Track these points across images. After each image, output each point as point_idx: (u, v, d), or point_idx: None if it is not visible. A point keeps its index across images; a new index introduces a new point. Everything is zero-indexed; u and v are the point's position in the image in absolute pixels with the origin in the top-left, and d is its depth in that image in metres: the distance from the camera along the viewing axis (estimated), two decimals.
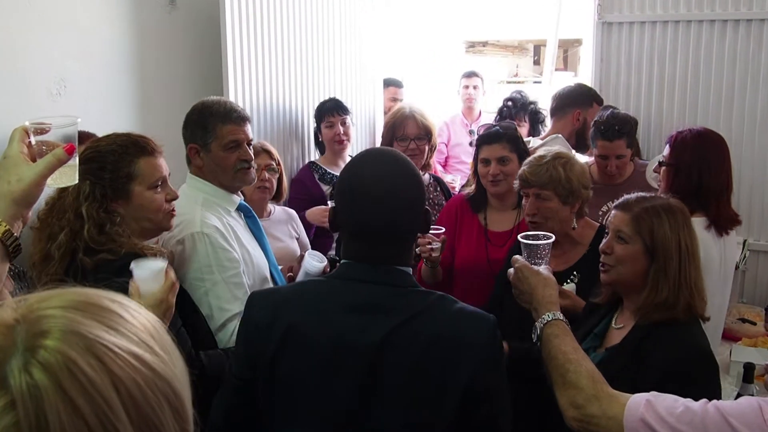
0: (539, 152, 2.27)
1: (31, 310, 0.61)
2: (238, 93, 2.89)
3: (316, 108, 3.30)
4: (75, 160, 1.12)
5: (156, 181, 1.78)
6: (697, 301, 1.61)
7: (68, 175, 1.13)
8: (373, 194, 1.30)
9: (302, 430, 1.29)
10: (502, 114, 3.90)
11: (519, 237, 1.77)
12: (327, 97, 3.35)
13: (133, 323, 0.64)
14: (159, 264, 1.52)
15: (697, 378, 1.50)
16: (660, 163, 2.37)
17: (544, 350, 1.48)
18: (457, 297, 1.35)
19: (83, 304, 0.63)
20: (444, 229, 2.43)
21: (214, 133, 2.09)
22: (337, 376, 1.26)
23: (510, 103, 3.92)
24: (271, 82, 3.13)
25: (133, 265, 1.49)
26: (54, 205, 1.74)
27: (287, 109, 3.27)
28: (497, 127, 2.60)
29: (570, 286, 2.10)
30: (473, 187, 2.64)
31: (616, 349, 1.67)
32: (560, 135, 3.12)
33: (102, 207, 1.70)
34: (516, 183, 2.23)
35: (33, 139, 1.09)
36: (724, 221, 2.25)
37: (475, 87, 4.83)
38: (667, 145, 2.35)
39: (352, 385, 1.25)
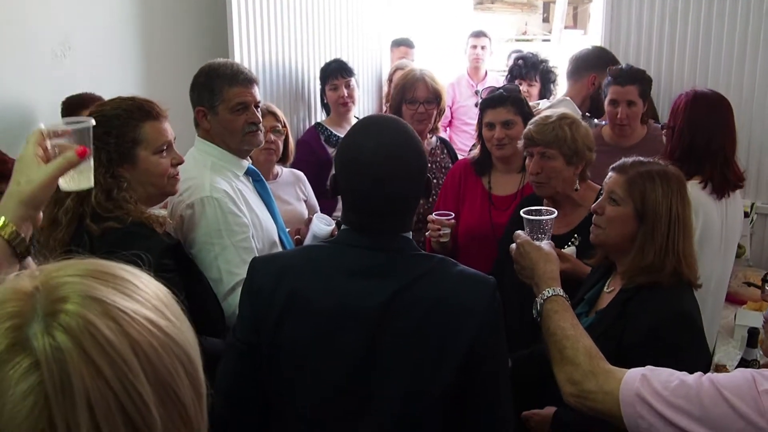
0: (545, 113, 2.25)
1: (49, 278, 0.63)
2: (243, 54, 2.87)
3: (320, 69, 3.28)
4: (90, 163, 1.13)
5: (161, 146, 1.77)
6: (684, 267, 1.62)
7: (83, 178, 1.14)
8: (375, 168, 1.28)
9: (304, 395, 1.31)
10: (512, 73, 3.80)
11: (521, 212, 1.77)
12: (332, 58, 3.32)
13: (146, 290, 0.66)
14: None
15: (679, 341, 1.52)
16: (662, 126, 2.36)
17: (543, 326, 1.49)
18: (461, 262, 1.35)
19: (98, 272, 0.65)
20: (453, 215, 2.44)
21: (221, 95, 2.08)
22: (339, 340, 1.27)
23: (521, 61, 3.81)
24: (277, 43, 3.10)
25: None
26: None
27: (293, 71, 3.25)
28: (501, 90, 2.56)
29: (570, 249, 2.10)
30: (478, 149, 2.63)
31: (604, 311, 1.69)
32: (568, 98, 3.09)
33: (108, 172, 1.70)
34: (521, 142, 2.23)
35: (48, 143, 1.10)
36: (722, 183, 2.23)
37: (482, 47, 4.75)
38: None
39: (354, 350, 1.26)
